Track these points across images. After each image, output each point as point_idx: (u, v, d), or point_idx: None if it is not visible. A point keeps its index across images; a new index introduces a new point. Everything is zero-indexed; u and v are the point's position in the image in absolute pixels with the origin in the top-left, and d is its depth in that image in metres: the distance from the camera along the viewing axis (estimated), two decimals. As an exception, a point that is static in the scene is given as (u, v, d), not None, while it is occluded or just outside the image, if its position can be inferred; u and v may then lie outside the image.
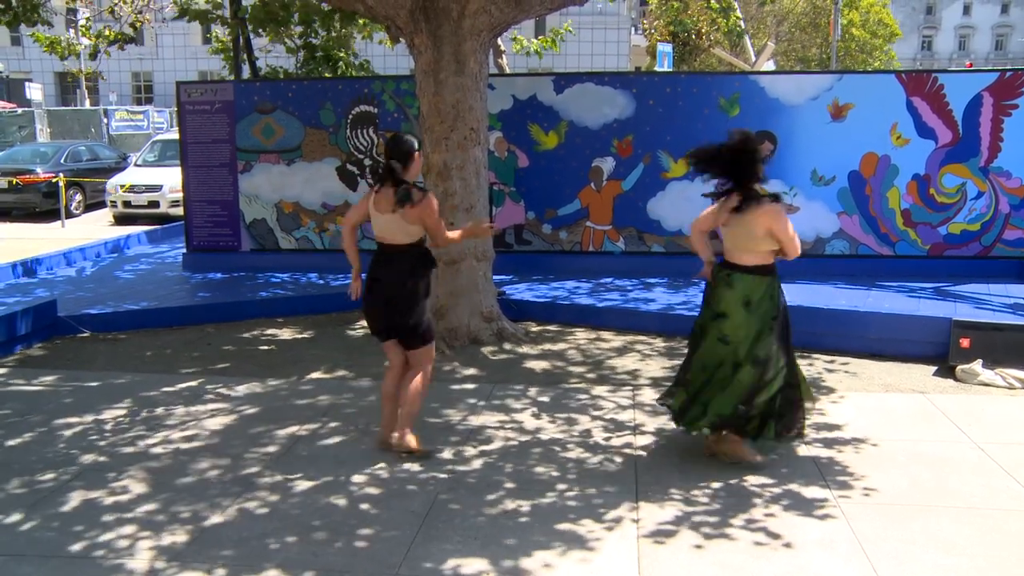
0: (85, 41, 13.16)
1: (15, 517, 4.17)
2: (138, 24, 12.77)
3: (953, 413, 5.56)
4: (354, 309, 8.47)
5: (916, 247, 9.25)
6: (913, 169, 9.14)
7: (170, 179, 15.78)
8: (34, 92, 32.34)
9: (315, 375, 6.50)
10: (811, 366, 6.60)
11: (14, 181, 17.44)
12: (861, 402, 5.79)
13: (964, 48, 76.28)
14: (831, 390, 6.03)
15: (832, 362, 6.73)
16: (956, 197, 9.14)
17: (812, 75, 10.76)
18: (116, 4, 12.83)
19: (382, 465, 4.76)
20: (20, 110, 29.07)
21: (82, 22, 14.08)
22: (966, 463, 4.76)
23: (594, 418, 5.50)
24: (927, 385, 6.20)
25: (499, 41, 15.29)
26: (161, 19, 14.73)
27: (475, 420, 5.49)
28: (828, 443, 5.04)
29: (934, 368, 6.54)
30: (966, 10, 77.17)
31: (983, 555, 3.76)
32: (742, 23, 21.75)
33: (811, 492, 4.39)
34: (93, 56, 12.60)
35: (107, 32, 12.62)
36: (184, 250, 10.62)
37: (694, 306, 7.94)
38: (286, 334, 7.78)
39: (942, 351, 6.57)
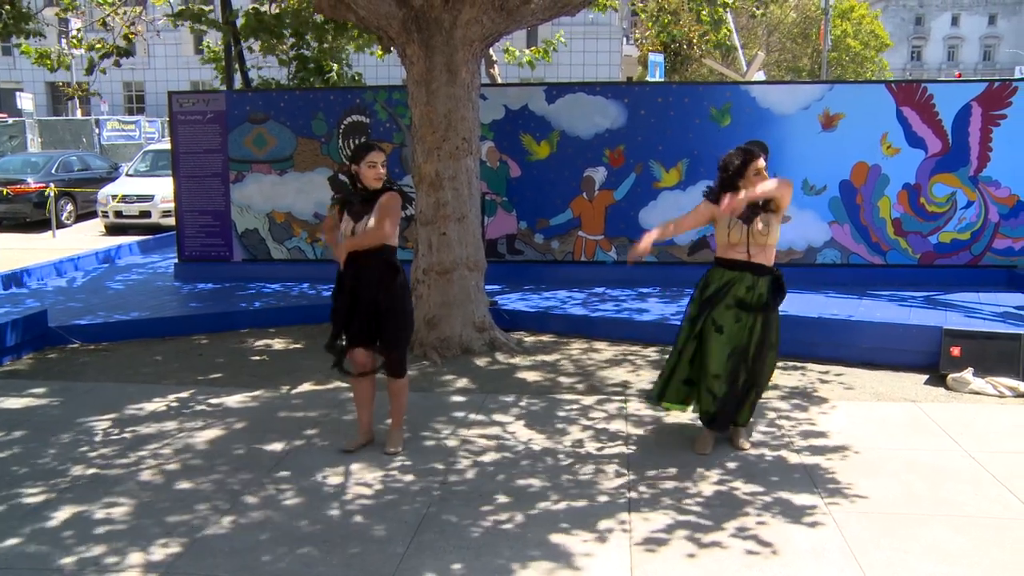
0: (76, 52, 13.10)
1: (5, 530, 4.14)
2: (131, 36, 12.73)
3: (944, 422, 5.57)
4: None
5: (907, 256, 9.29)
6: (903, 179, 9.19)
7: (162, 189, 15.77)
8: (25, 102, 32.22)
9: (307, 386, 6.48)
10: (804, 375, 6.62)
11: (5, 191, 17.36)
12: (852, 411, 5.80)
13: (953, 58, 76.83)
14: (823, 399, 6.04)
15: (824, 371, 6.74)
16: (946, 206, 9.19)
17: (803, 85, 10.80)
18: (108, 16, 12.81)
19: (374, 476, 4.75)
20: (11, 120, 28.97)
21: (73, 33, 14.02)
22: (958, 472, 4.77)
23: (586, 428, 5.49)
24: (918, 394, 6.22)
25: (491, 51, 15.32)
26: (154, 31, 14.71)
27: (467, 431, 5.47)
28: (819, 451, 5.05)
29: (925, 377, 6.55)
30: (954, 21, 77.79)
31: (977, 564, 3.76)
32: (735, 36, 21.86)
33: (803, 500, 4.39)
34: (89, 71, 12.54)
35: (99, 44, 12.58)
36: (176, 260, 10.59)
37: (686, 315, 7.96)
38: (278, 344, 7.76)
39: (933, 360, 6.58)
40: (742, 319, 4.95)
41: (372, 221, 4.79)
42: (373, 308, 4.86)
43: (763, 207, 4.94)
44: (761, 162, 4.89)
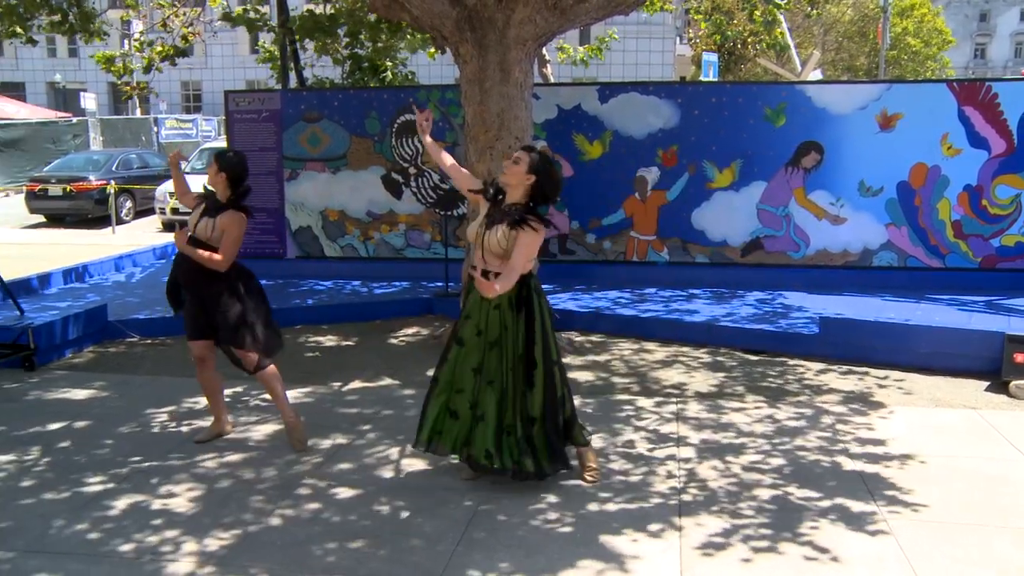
0: (138, 55, 13.43)
1: (68, 517, 4.25)
2: (190, 37, 12.99)
3: (1006, 430, 5.42)
4: (397, 317, 8.57)
5: (967, 259, 9.06)
6: (964, 180, 8.97)
7: (218, 187, 16.00)
8: (88, 102, 33.15)
9: (358, 382, 6.54)
10: (861, 380, 6.50)
11: (68, 188, 17.89)
12: (910, 417, 5.68)
13: (1020, 56, 74.55)
14: (880, 404, 5.92)
15: (882, 376, 6.61)
16: (1010, 208, 8.94)
17: (860, 84, 10.60)
18: (168, 17, 13.08)
19: (426, 473, 4.77)
20: (75, 119, 29.79)
21: (136, 36, 14.36)
22: (1020, 481, 4.64)
23: (637, 429, 5.45)
24: (979, 400, 6.06)
25: (544, 51, 15.30)
26: (212, 32, 14.98)
27: (517, 429, 5.46)
28: (875, 458, 4.95)
29: (986, 383, 6.38)
30: (1022, 16, 75.44)
31: (1039, 576, 3.66)
32: (789, 36, 21.52)
33: (859, 507, 4.30)
34: (147, 70, 12.84)
35: (160, 47, 12.86)
36: (231, 257, 10.74)
37: (739, 318, 7.88)
38: (330, 341, 7.84)
39: (995, 366, 6.41)
40: (480, 335, 4.42)
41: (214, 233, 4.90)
42: (198, 302, 5.03)
43: (519, 222, 4.19)
44: (516, 154, 4.34)
